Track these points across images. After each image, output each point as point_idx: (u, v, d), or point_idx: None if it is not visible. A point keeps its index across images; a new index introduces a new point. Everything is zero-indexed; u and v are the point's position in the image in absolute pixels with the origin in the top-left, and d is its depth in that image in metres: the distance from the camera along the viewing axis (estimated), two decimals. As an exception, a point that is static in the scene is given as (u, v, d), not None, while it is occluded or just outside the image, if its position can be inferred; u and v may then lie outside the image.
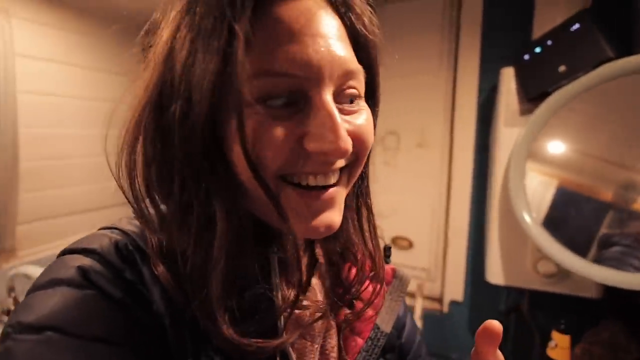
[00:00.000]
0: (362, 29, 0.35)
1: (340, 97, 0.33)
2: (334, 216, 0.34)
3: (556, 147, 1.07)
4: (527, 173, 1.12)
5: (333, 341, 0.42)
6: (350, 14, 0.34)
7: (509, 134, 1.24)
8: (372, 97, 0.39)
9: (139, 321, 0.33)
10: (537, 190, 1.08)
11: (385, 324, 0.44)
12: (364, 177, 0.41)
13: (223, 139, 0.31)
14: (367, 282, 0.44)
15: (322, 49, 0.31)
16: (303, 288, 0.40)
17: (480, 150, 1.58)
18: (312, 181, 0.33)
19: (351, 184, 0.37)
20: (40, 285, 0.33)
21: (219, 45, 0.28)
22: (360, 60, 0.35)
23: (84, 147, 1.85)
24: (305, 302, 0.39)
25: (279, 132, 0.30)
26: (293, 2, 0.31)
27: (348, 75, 0.33)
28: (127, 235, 0.36)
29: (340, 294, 0.43)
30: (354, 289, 0.43)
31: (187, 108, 0.30)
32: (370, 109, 0.37)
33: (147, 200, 0.35)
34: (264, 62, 0.30)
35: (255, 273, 0.35)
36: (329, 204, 0.34)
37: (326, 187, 0.34)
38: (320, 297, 0.42)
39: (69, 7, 1.76)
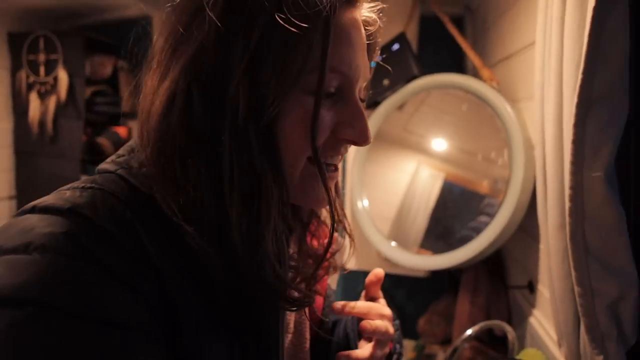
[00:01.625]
0: (374, 46, 0.41)
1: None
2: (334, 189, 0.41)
3: (441, 144, 1.22)
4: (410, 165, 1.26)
5: None
6: (371, 30, 0.40)
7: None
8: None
9: (144, 298, 0.29)
10: (427, 182, 1.22)
11: (332, 283, 0.52)
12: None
13: (274, 118, 0.33)
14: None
15: (363, 57, 0.37)
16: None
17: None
18: (327, 160, 0.38)
19: None
20: (12, 249, 0.27)
21: (307, 32, 0.31)
22: None
23: None
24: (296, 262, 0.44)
25: (326, 120, 0.35)
26: (351, 11, 0.36)
27: (367, 81, 0.39)
28: (119, 199, 0.32)
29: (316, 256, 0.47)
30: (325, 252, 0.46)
31: (254, 88, 0.31)
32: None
33: (178, 167, 0.33)
34: (330, 58, 0.33)
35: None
36: (333, 181, 0.40)
37: (336, 166, 0.39)
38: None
39: None
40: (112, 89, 1.88)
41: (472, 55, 1.13)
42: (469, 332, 0.91)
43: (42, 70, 1.74)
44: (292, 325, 0.48)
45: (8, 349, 0.24)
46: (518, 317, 1.14)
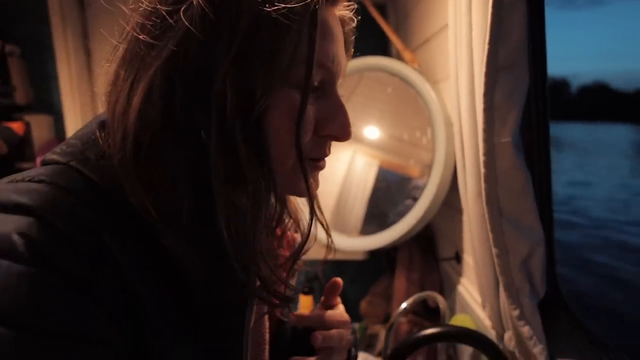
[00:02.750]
0: (348, 42, 0.41)
1: None
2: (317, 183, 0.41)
3: (373, 132, 1.23)
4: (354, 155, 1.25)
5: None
6: (345, 27, 0.39)
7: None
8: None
9: (105, 306, 0.27)
10: (363, 170, 1.23)
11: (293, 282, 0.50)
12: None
13: (260, 113, 0.32)
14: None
15: (342, 52, 0.37)
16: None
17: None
18: (313, 156, 0.38)
19: None
20: None
21: (295, 25, 0.31)
22: None
23: None
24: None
25: (310, 115, 0.35)
26: (333, 6, 0.36)
27: (342, 77, 0.38)
28: (76, 195, 0.29)
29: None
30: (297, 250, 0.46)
31: (241, 83, 0.30)
32: None
33: (157, 163, 0.31)
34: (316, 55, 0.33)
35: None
36: (317, 175, 0.40)
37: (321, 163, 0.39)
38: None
39: None
40: (1, 78, 1.61)
41: (394, 39, 1.16)
42: (403, 305, 0.94)
43: None
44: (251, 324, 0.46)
45: None
46: (448, 287, 1.21)
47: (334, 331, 0.47)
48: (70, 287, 0.26)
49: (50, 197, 0.28)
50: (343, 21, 0.39)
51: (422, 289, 1.32)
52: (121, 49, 0.33)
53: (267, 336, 0.48)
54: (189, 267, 0.32)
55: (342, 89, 0.39)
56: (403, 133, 1.17)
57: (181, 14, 0.30)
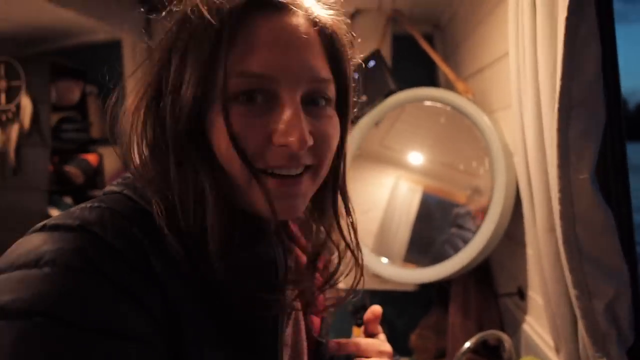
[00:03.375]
0: (337, 43, 0.39)
1: (309, 101, 0.37)
2: (297, 204, 0.38)
3: (417, 157, 1.23)
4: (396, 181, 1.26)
5: (301, 320, 0.46)
6: (326, 30, 0.39)
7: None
8: (342, 106, 0.42)
9: (148, 310, 0.31)
10: (407, 195, 1.22)
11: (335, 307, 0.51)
12: (337, 177, 0.44)
13: (206, 127, 0.36)
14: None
15: (294, 57, 0.36)
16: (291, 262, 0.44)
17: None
18: (277, 170, 0.37)
19: (317, 184, 0.41)
20: (23, 264, 0.29)
21: (207, 46, 0.34)
22: (332, 72, 0.39)
23: None
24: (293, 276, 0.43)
25: (252, 127, 0.35)
26: (274, 16, 0.36)
27: (316, 81, 0.37)
28: (125, 216, 0.34)
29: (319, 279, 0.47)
30: (328, 274, 0.46)
31: (177, 99, 0.35)
32: (340, 117, 0.41)
33: (152, 172, 0.37)
34: (243, 64, 0.34)
35: (266, 255, 0.39)
36: (294, 194, 0.38)
37: (293, 177, 0.37)
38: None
39: None
40: (81, 115, 1.80)
41: (446, 70, 1.17)
42: (467, 345, 0.90)
43: (2, 97, 1.65)
44: (289, 341, 0.46)
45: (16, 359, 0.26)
46: (510, 325, 1.13)
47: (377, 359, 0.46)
48: (116, 292, 0.30)
49: (105, 218, 0.33)
50: (316, 26, 0.38)
51: (480, 325, 1.25)
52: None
53: (305, 355, 0.47)
54: (219, 282, 0.35)
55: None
56: (457, 162, 1.15)
57: (155, 52, 0.38)
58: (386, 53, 1.41)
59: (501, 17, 0.94)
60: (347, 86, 0.42)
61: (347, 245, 0.45)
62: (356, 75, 1.37)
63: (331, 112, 0.40)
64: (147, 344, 0.30)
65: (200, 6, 0.35)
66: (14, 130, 1.63)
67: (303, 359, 0.47)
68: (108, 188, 0.39)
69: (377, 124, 1.26)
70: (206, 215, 0.35)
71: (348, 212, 0.46)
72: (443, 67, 1.18)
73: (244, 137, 0.35)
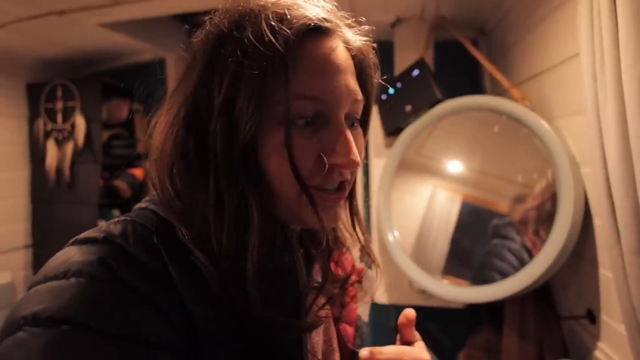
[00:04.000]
0: (365, 65, 0.42)
1: (347, 120, 0.40)
2: (340, 213, 0.41)
3: (456, 166, 1.19)
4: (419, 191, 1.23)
5: (332, 328, 0.45)
6: (357, 53, 0.41)
7: (378, 164, 1.39)
8: (364, 122, 0.45)
9: (167, 317, 0.32)
10: (445, 205, 1.19)
11: (363, 314, 0.51)
12: (354, 187, 0.47)
13: (257, 148, 0.36)
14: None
15: (341, 80, 0.38)
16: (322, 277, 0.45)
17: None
18: (322, 185, 0.39)
19: (347, 194, 0.43)
20: (54, 276, 0.31)
21: (270, 71, 0.34)
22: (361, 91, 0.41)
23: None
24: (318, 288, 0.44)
25: (306, 147, 0.37)
26: (321, 41, 0.38)
27: (356, 103, 0.40)
28: (147, 227, 0.35)
29: (339, 284, 0.47)
30: (348, 281, 0.47)
31: (229, 122, 0.35)
32: (362, 130, 0.44)
33: (178, 200, 0.37)
34: (298, 87, 0.35)
35: (284, 263, 0.40)
36: (338, 205, 0.41)
37: (337, 191, 0.40)
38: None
39: None
40: (128, 131, 1.88)
41: (498, 76, 1.11)
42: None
43: (59, 117, 1.76)
44: (319, 350, 0.44)
45: None
46: (577, 351, 1.04)
47: None
48: (138, 301, 0.31)
49: (128, 230, 0.34)
50: (350, 50, 0.40)
51: (540, 349, 1.15)
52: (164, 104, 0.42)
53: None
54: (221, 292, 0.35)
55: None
56: (508, 172, 1.08)
57: (186, 76, 0.38)
58: (429, 61, 1.37)
59: (566, 18, 0.88)
60: (371, 106, 0.45)
61: (363, 247, 0.47)
62: (399, 85, 1.33)
63: (360, 129, 0.42)
64: (168, 351, 0.31)
65: (265, 31, 0.35)
66: (69, 148, 1.72)
67: None
68: (137, 205, 0.41)
69: (419, 134, 1.21)
70: (247, 236, 0.35)
71: (358, 218, 0.48)
72: (495, 74, 1.12)
73: (300, 158, 0.36)
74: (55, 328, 0.28)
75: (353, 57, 0.40)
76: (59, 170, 1.74)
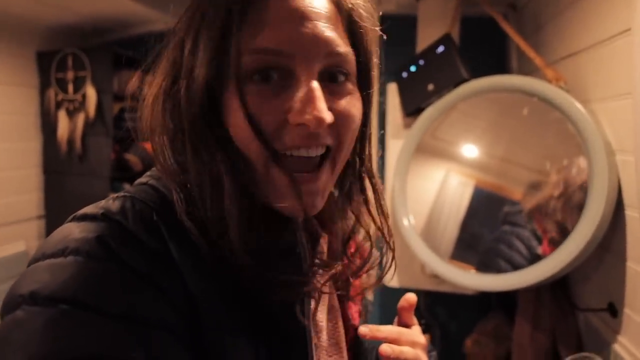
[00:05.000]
0: (356, 16, 0.37)
1: (327, 76, 0.35)
2: (316, 201, 0.37)
3: (471, 150, 1.14)
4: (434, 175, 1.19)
5: (336, 304, 0.44)
6: (344, 4, 0.37)
7: (395, 145, 1.34)
8: (364, 82, 0.40)
9: (168, 297, 0.31)
10: (457, 189, 1.15)
11: (368, 293, 0.49)
12: (363, 159, 0.43)
13: (222, 110, 0.35)
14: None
15: (308, 30, 0.33)
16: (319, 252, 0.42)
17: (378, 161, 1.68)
18: (295, 152, 0.35)
19: (337, 171, 0.39)
20: (52, 254, 0.30)
21: (218, 25, 0.33)
22: (353, 45, 0.37)
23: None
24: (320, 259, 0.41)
25: (268, 106, 0.33)
26: None
27: (334, 56, 0.35)
28: (147, 204, 0.34)
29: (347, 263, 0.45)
30: (359, 260, 0.45)
31: (190, 82, 0.34)
32: (362, 94, 0.39)
33: (173, 162, 0.37)
34: (256, 40, 0.33)
35: (285, 244, 0.38)
36: (312, 191, 0.36)
37: (310, 172, 0.36)
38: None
39: None
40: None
41: (532, 54, 1.04)
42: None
43: (70, 87, 1.73)
44: (324, 328, 0.43)
45: (44, 344, 0.27)
46: (594, 344, 1.01)
47: (408, 348, 0.43)
48: (137, 279, 0.30)
49: (127, 207, 0.33)
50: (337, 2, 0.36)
51: (553, 339, 1.14)
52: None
53: (343, 343, 0.44)
54: (240, 268, 0.34)
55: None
56: (540, 161, 1.03)
57: (171, 38, 0.38)
58: (455, 38, 1.29)
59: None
60: (369, 61, 0.39)
61: (378, 229, 0.43)
62: (421, 62, 1.24)
63: (352, 88, 0.37)
64: (168, 330, 0.30)
65: None
66: (81, 120, 1.70)
67: (341, 346, 0.44)
68: (137, 180, 0.40)
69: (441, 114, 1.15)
70: (223, 201, 0.34)
71: (377, 196, 0.44)
72: (528, 51, 1.05)
73: (260, 117, 0.33)
74: (54, 307, 0.28)
75: (338, 7, 0.36)
76: (70, 142, 1.72)
